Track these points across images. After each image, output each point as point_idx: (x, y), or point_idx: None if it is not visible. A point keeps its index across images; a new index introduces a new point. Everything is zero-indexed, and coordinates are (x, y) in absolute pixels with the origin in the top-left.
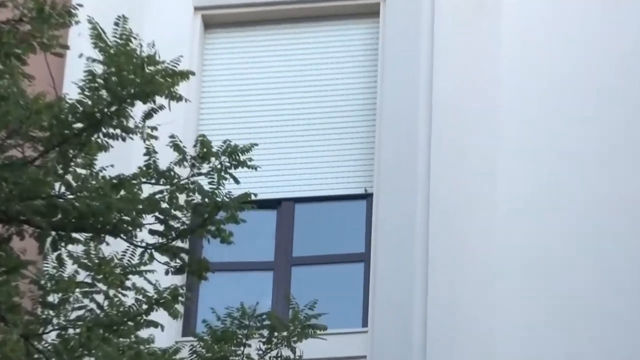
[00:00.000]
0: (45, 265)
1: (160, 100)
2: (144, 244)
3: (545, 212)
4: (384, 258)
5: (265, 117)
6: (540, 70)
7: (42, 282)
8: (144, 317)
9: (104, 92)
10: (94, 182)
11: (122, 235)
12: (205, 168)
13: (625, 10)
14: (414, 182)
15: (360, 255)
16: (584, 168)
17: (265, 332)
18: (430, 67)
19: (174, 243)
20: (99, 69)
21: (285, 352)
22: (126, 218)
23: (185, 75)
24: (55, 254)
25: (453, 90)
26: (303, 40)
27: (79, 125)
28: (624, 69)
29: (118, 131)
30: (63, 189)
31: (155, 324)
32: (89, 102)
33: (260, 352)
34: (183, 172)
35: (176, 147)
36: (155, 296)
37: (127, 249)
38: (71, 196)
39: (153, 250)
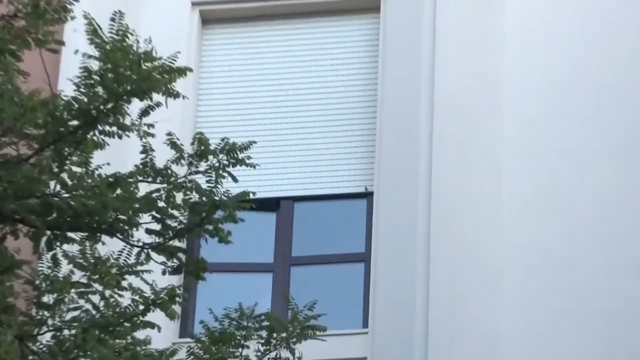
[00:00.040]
0: (40, 265)
1: (157, 97)
2: (140, 244)
3: (549, 211)
4: (384, 258)
5: (264, 114)
6: (543, 66)
7: (37, 282)
8: (141, 318)
9: (99, 89)
10: (89, 181)
11: (118, 234)
12: (202, 166)
13: (628, 8)
14: (415, 181)
15: (361, 255)
16: (588, 167)
17: (264, 333)
18: (432, 63)
19: (171, 242)
20: (94, 65)
21: (284, 353)
22: (122, 217)
23: (182, 71)
24: (50, 253)
25: (455, 87)
26: (302, 36)
27: (75, 122)
28: (628, 68)
29: (114, 129)
30: (58, 187)
31: (152, 325)
32: (85, 99)
33: (259, 353)
34: (180, 170)
35: (173, 144)
36: (152, 296)
37: (124, 249)
38: (66, 195)
39: (150, 250)
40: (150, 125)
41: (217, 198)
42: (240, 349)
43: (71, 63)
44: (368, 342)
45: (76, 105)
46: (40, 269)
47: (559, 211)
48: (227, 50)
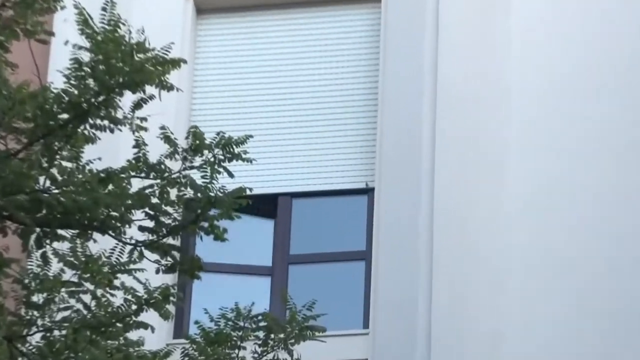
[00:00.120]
0: (30, 263)
1: (150, 89)
2: (133, 241)
3: (555, 209)
4: (386, 256)
5: (261, 107)
6: (547, 64)
7: (26, 281)
8: (134, 318)
9: (90, 81)
10: (80, 176)
11: (110, 231)
12: (197, 161)
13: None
14: (417, 176)
15: (361, 253)
16: (591, 166)
17: (261, 334)
18: (435, 55)
19: (164, 240)
20: (85, 56)
21: (282, 354)
22: (114, 214)
23: (176, 63)
24: (40, 251)
25: (459, 80)
26: (301, 26)
27: (65, 116)
28: (630, 67)
29: (106, 122)
30: (48, 183)
31: (145, 326)
32: (75, 92)
33: (256, 355)
34: (174, 165)
35: (167, 139)
36: (145, 296)
37: (116, 247)
38: (56, 191)
39: (143, 248)
40: (143, 119)
41: (212, 194)
42: (236, 350)
43: (61, 54)
44: (369, 343)
45: (66, 98)
46: (29, 267)
47: (562, 211)
48: (223, 41)
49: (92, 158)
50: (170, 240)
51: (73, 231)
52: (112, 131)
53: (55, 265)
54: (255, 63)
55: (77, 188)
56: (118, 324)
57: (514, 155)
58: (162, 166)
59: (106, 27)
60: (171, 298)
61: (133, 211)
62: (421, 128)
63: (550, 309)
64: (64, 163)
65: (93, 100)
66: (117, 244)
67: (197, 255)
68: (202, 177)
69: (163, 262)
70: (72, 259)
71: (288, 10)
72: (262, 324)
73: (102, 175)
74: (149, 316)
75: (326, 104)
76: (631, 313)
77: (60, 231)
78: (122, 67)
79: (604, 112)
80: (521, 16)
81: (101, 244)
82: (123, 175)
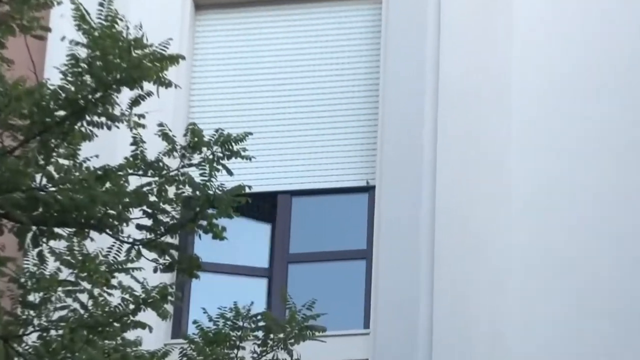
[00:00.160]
0: (26, 262)
1: (148, 86)
2: (130, 240)
3: (555, 209)
4: (386, 255)
5: (261, 104)
6: (550, 61)
7: (22, 280)
8: (131, 318)
9: (87, 78)
10: (77, 174)
11: (107, 230)
12: (196, 159)
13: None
14: (418, 174)
15: (362, 252)
16: (592, 166)
17: (261, 334)
18: (437, 53)
19: (162, 239)
20: (82, 52)
21: (282, 355)
22: (112, 212)
23: (174, 59)
24: (36, 250)
25: (461, 77)
26: (301, 22)
27: (62, 112)
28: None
29: (103, 119)
30: (44, 180)
31: (142, 325)
32: (72, 88)
33: (255, 355)
34: (172, 162)
35: (165, 136)
36: (143, 295)
37: (113, 245)
38: (53, 188)
39: (140, 247)
40: (141, 116)
41: (211, 192)
42: (235, 351)
43: (58, 50)
44: (370, 343)
45: (63, 95)
46: (25, 266)
47: (563, 210)
48: (222, 37)
49: (89, 155)
50: (168, 239)
51: (70, 229)
52: (109, 128)
53: (51, 264)
54: (254, 60)
55: (74, 186)
56: (115, 324)
57: (514, 154)
58: (160, 164)
59: (103, 22)
60: (169, 297)
61: (131, 209)
62: (422, 126)
63: (552, 308)
64: (61, 160)
65: (90, 96)
66: (115, 242)
67: (196, 254)
68: (201, 174)
69: (161, 261)
70: (68, 257)
71: (288, 7)
72: (261, 323)
73: (100, 172)
74: (147, 316)
75: (326, 100)
76: (631, 313)
77: (56, 229)
78: (120, 63)
79: (604, 112)
80: (522, 16)
81: (98, 243)
82: (120, 173)
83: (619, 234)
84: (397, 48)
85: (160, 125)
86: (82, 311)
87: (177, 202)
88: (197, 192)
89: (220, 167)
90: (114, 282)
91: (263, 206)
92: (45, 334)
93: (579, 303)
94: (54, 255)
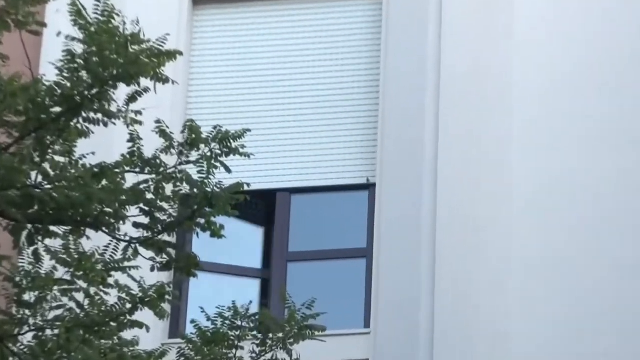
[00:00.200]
0: (21, 260)
1: (145, 82)
2: (127, 238)
3: (557, 208)
4: (387, 253)
5: (259, 100)
6: (553, 57)
7: (18, 279)
8: (128, 317)
9: (84, 74)
10: (73, 171)
11: (103, 228)
12: (194, 156)
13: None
14: (419, 172)
15: (362, 251)
16: (594, 166)
17: (259, 334)
18: (438, 50)
19: (160, 237)
20: (78, 48)
21: (281, 354)
22: (108, 210)
23: (172, 55)
24: (32, 248)
25: (462, 73)
26: (300, 17)
27: (57, 109)
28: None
29: (99, 116)
30: (40, 178)
31: (139, 325)
32: (68, 84)
33: (254, 354)
34: (170, 160)
35: (162, 133)
36: (140, 294)
37: (110, 244)
38: (49, 186)
39: (137, 245)
40: (138, 112)
41: (209, 190)
42: (234, 350)
43: (53, 46)
44: (370, 342)
45: (59, 91)
46: (20, 265)
47: (564, 210)
48: (220, 32)
49: (86, 152)
50: (165, 237)
51: (66, 228)
52: (105, 125)
53: (47, 263)
54: (253, 56)
55: (70, 183)
56: (112, 323)
57: (516, 152)
58: (158, 161)
59: (100, 18)
60: (167, 296)
61: (127, 207)
62: (423, 123)
63: (552, 308)
64: (57, 158)
65: (86, 93)
66: (111, 240)
67: (194, 253)
68: (199, 172)
69: (158, 259)
70: (64, 256)
71: (287, 2)
72: (260, 323)
73: (96, 170)
74: (144, 315)
75: (326, 97)
76: (631, 313)
77: (52, 228)
78: (116, 59)
79: (605, 111)
80: (523, 14)
81: (95, 241)
82: (117, 170)
83: (624, 233)
84: (398, 45)
85: (158, 121)
86: (78, 310)
87: (174, 199)
88: (195, 190)
89: (218, 164)
90: (110, 281)
91: (261, 204)
92: (40, 334)
93: (579, 303)
94: (50, 253)
